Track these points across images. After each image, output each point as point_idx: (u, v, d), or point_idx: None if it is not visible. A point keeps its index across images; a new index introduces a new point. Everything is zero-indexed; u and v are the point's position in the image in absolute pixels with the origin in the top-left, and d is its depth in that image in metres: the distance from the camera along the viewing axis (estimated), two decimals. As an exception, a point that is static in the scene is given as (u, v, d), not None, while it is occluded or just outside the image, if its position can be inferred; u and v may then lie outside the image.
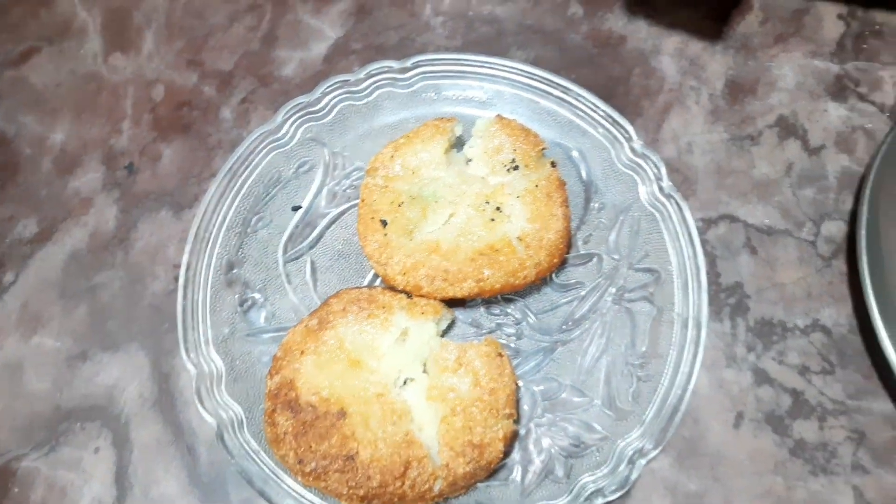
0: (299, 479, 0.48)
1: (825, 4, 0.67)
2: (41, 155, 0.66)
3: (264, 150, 0.61)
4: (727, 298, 0.57)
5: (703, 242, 0.58)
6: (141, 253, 0.62)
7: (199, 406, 0.52)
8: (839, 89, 0.64)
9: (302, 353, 0.51)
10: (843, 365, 0.55)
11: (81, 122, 0.68)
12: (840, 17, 0.67)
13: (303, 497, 0.50)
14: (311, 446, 0.47)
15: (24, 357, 0.59)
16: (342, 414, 0.48)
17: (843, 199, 0.60)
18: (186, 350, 0.54)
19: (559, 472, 0.51)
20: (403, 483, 0.47)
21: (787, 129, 0.63)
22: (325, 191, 0.61)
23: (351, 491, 0.47)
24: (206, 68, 0.69)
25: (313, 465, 0.47)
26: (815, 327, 0.56)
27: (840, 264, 0.58)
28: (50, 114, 0.68)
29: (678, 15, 0.68)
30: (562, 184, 0.56)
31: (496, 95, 0.62)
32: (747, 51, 0.66)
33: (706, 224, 0.59)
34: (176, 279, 0.57)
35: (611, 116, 0.59)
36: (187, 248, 0.57)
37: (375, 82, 0.63)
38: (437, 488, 0.47)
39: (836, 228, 0.59)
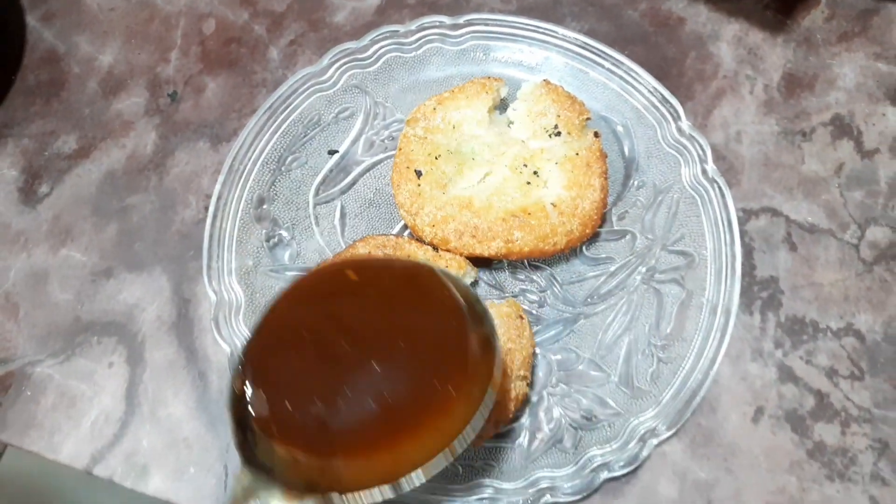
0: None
1: (897, 7, 0.65)
2: (88, 75, 0.67)
3: (307, 92, 0.61)
4: (760, 292, 0.55)
5: (742, 233, 0.57)
6: (175, 180, 0.62)
7: (216, 332, 0.53)
8: (901, 95, 0.62)
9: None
10: (873, 373, 0.53)
11: (131, 46, 0.68)
12: (911, 21, 0.64)
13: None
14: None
15: (51, 267, 0.59)
16: (356, 354, 0.48)
17: (893, 206, 0.57)
18: (209, 277, 0.55)
19: (567, 442, 0.50)
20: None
21: (842, 128, 0.61)
22: (363, 139, 0.61)
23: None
24: (259, 7, 0.69)
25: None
26: (849, 331, 0.54)
27: (882, 271, 0.56)
28: (101, 36, 0.69)
29: (741, 2, 0.66)
30: (603, 155, 0.55)
31: (545, 62, 0.61)
32: (809, 46, 0.64)
33: (747, 215, 0.58)
34: (206, 209, 0.57)
35: (661, 94, 0.58)
36: (220, 178, 0.57)
37: (425, 36, 0.62)
38: (442, 439, 0.47)
39: (881, 234, 0.57)
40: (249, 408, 0.36)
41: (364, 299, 0.40)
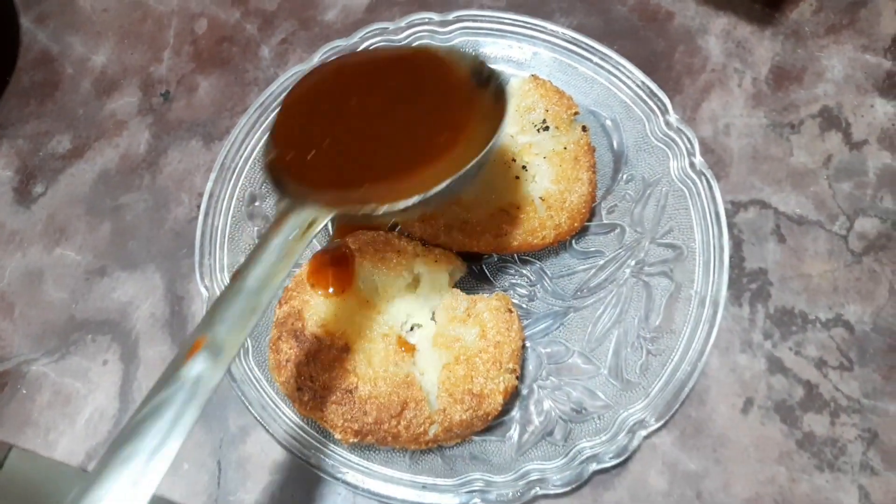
0: (297, 407, 0.48)
1: (885, -1, 0.65)
2: (82, 75, 0.68)
3: (298, 90, 0.61)
4: (749, 283, 0.56)
5: (731, 225, 0.57)
6: (168, 178, 0.62)
7: (208, 329, 0.53)
8: (889, 86, 0.62)
9: (312, 286, 0.51)
10: (862, 363, 0.53)
11: (124, 47, 0.69)
12: (899, 13, 0.64)
13: (298, 428, 0.50)
14: (311, 376, 0.47)
15: (46, 266, 0.60)
16: (346, 349, 0.48)
17: (881, 197, 0.58)
18: (201, 274, 0.55)
19: (557, 434, 0.51)
20: (399, 422, 0.47)
21: (830, 120, 0.61)
22: (353, 136, 0.61)
23: (346, 424, 0.47)
24: (250, 6, 0.69)
25: (312, 394, 0.47)
26: (838, 322, 0.54)
27: (870, 262, 0.56)
28: (94, 37, 0.69)
29: (730, -4, 0.66)
30: (591, 149, 0.56)
31: (534, 57, 0.62)
32: (797, 38, 0.64)
33: (736, 207, 0.58)
34: (199, 207, 0.58)
35: (648, 88, 0.58)
36: (212, 176, 0.58)
37: (414, 33, 0.62)
38: (431, 432, 0.47)
39: (870, 225, 0.57)
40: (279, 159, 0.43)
41: (372, 79, 0.47)
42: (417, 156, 0.41)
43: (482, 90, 0.44)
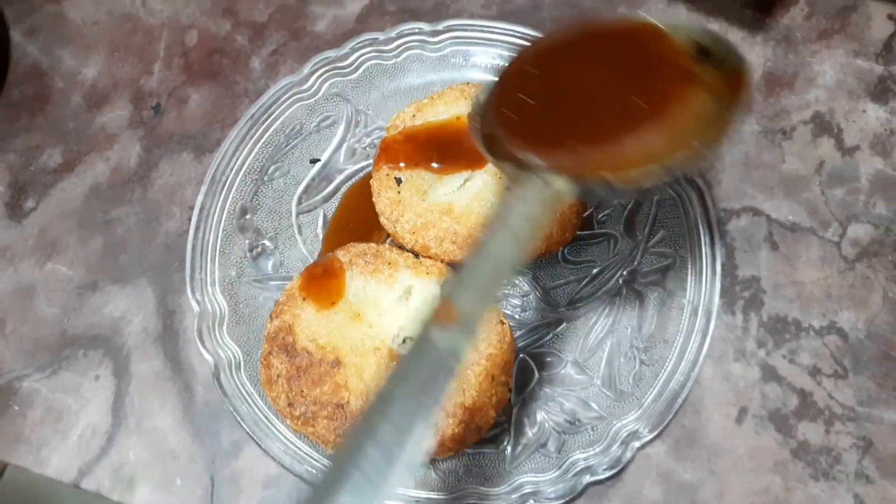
0: (288, 422, 0.48)
1: (876, 3, 0.65)
2: (72, 89, 0.67)
3: (288, 101, 0.61)
4: (742, 291, 0.55)
5: (724, 233, 0.57)
6: (159, 192, 0.62)
7: (199, 344, 0.53)
8: (881, 91, 0.62)
9: (304, 300, 0.51)
10: (856, 370, 0.53)
11: (114, 60, 0.69)
12: (890, 17, 0.64)
13: (291, 442, 0.50)
14: (302, 391, 0.47)
15: (37, 281, 0.60)
16: (337, 363, 0.48)
17: (874, 203, 0.57)
18: (192, 289, 0.55)
19: (551, 446, 0.50)
20: (391, 437, 0.46)
21: (822, 126, 0.61)
22: (344, 146, 0.61)
23: (338, 438, 0.46)
24: (241, 18, 0.69)
25: (303, 409, 0.47)
26: (832, 329, 0.54)
27: (864, 268, 0.56)
28: (84, 50, 0.69)
29: (720, 2, 0.66)
30: (583, 159, 0.55)
31: (525, 66, 0.61)
32: (788, 44, 0.64)
33: (728, 215, 0.58)
34: (190, 220, 0.58)
35: (640, 96, 0.58)
36: (203, 189, 0.58)
37: (405, 43, 0.62)
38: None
39: (863, 231, 0.57)
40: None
41: (587, 54, 0.45)
42: (638, 122, 0.38)
43: (706, 64, 0.41)
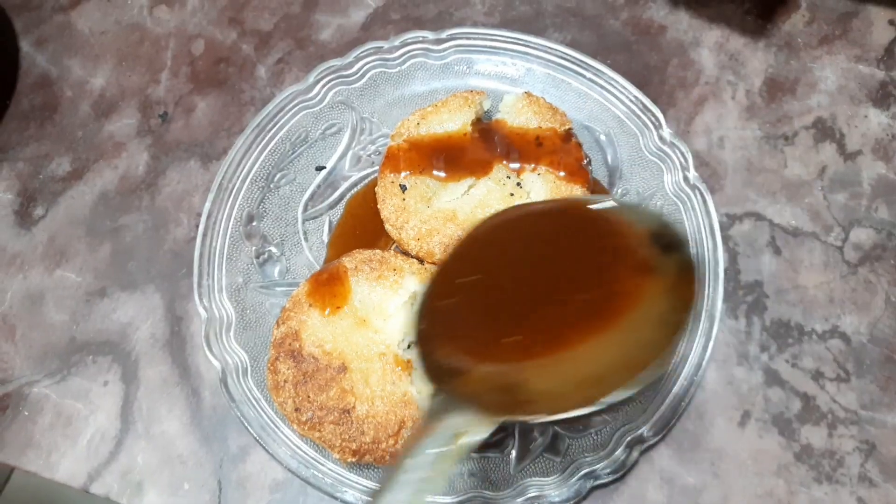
0: (295, 427, 0.49)
1: (877, 9, 0.65)
2: (81, 98, 0.68)
3: (294, 109, 0.62)
4: (745, 296, 0.56)
5: (726, 238, 0.57)
6: (167, 199, 0.63)
7: (207, 350, 0.53)
8: (883, 96, 0.62)
9: (310, 305, 0.51)
10: (859, 374, 0.53)
11: (122, 69, 0.69)
12: (891, 22, 0.65)
13: (298, 447, 0.51)
14: (309, 396, 0.48)
15: (47, 288, 0.60)
16: (343, 368, 0.49)
17: (876, 207, 0.58)
18: (200, 295, 0.56)
19: (555, 450, 0.51)
20: (397, 441, 0.47)
21: (824, 131, 0.61)
22: (350, 154, 0.62)
23: (344, 444, 0.47)
24: (247, 27, 0.70)
25: (310, 414, 0.48)
26: (834, 333, 0.54)
27: (866, 273, 0.56)
28: (93, 59, 0.70)
29: (722, 9, 0.66)
30: (585, 165, 0.56)
31: (528, 73, 0.62)
32: (790, 50, 0.64)
33: (731, 220, 0.58)
34: (197, 227, 0.58)
35: (641, 103, 0.59)
36: (210, 196, 0.58)
37: (409, 51, 0.63)
38: (430, 451, 0.47)
39: (865, 236, 0.57)
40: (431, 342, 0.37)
41: (531, 242, 0.41)
42: (582, 326, 0.35)
43: (663, 257, 0.38)
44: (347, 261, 0.53)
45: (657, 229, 0.39)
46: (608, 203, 0.42)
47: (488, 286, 0.39)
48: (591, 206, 0.42)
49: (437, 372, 0.36)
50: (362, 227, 0.59)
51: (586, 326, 0.35)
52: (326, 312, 0.51)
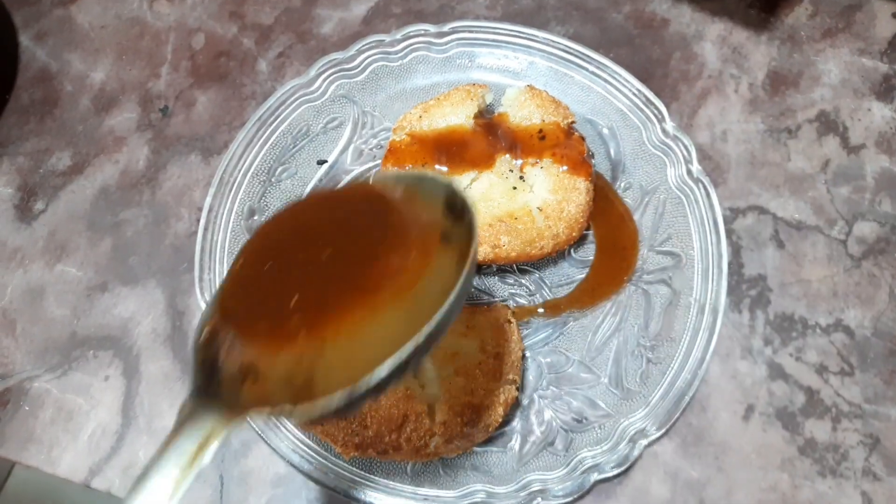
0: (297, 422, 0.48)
1: (880, 2, 0.65)
2: (81, 92, 0.68)
3: (295, 103, 0.61)
4: (748, 290, 0.55)
5: (730, 232, 0.57)
6: (167, 193, 0.63)
7: (208, 344, 0.53)
8: (886, 89, 0.62)
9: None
10: (863, 368, 0.53)
11: (122, 63, 0.69)
12: (895, 15, 0.64)
13: (299, 441, 0.51)
14: (312, 390, 0.48)
15: (47, 283, 0.60)
16: (346, 362, 0.48)
17: (880, 200, 0.58)
18: (201, 289, 0.55)
19: (558, 444, 0.51)
20: (400, 435, 0.47)
21: (828, 125, 0.61)
22: (351, 148, 0.61)
23: (347, 438, 0.47)
24: (247, 21, 0.70)
25: (313, 408, 0.47)
26: (838, 327, 0.54)
27: (870, 266, 0.56)
28: (93, 54, 0.70)
29: (725, 2, 0.66)
30: (588, 158, 0.56)
31: (530, 66, 0.62)
32: (793, 43, 0.64)
33: (734, 213, 0.58)
34: (198, 221, 0.58)
35: (644, 96, 0.58)
36: (211, 190, 0.58)
37: (411, 45, 0.62)
38: (432, 445, 0.47)
39: (868, 229, 0.57)
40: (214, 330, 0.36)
41: (317, 235, 0.40)
42: (363, 299, 0.34)
43: (454, 223, 0.38)
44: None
45: (448, 197, 0.39)
46: (394, 178, 0.43)
47: (274, 274, 0.38)
48: (378, 184, 0.42)
49: (201, 384, 0.34)
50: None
51: (369, 300, 0.34)
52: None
